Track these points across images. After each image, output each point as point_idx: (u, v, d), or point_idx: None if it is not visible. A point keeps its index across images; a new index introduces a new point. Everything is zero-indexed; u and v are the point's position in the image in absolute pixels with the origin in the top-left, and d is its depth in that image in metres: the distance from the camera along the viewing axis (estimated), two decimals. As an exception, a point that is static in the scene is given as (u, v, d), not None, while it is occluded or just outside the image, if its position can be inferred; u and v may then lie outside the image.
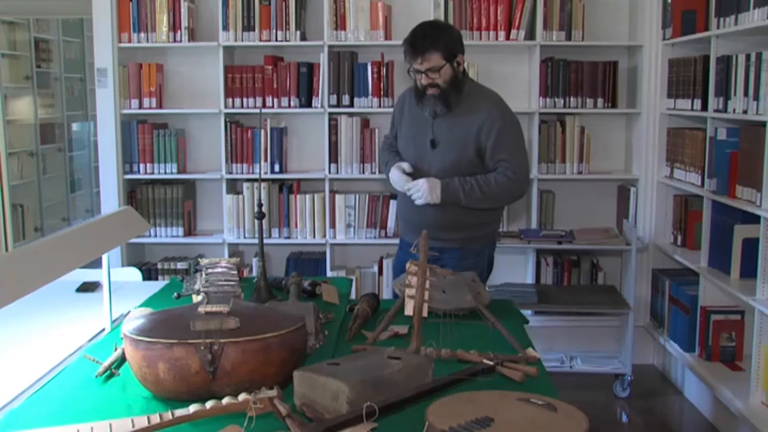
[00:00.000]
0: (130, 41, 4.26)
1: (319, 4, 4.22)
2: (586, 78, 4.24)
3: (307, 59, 4.28)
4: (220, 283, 2.05)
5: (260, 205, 2.54)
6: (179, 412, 1.55)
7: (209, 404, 1.58)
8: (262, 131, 4.27)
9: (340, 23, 4.20)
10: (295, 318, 1.90)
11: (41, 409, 1.73)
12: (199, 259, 2.23)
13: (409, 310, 2.05)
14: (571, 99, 4.24)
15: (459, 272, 2.51)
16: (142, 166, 4.31)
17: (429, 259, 2.09)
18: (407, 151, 2.96)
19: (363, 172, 4.25)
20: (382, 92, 4.19)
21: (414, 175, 2.89)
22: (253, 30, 4.20)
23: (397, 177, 2.89)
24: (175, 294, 2.54)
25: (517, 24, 4.19)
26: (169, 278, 3.80)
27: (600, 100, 4.25)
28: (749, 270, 3.28)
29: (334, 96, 4.22)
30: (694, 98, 3.81)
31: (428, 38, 2.74)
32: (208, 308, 1.85)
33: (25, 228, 6.85)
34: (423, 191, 2.80)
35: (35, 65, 7.18)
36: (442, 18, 4.17)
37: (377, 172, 4.20)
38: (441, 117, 2.83)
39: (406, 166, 2.90)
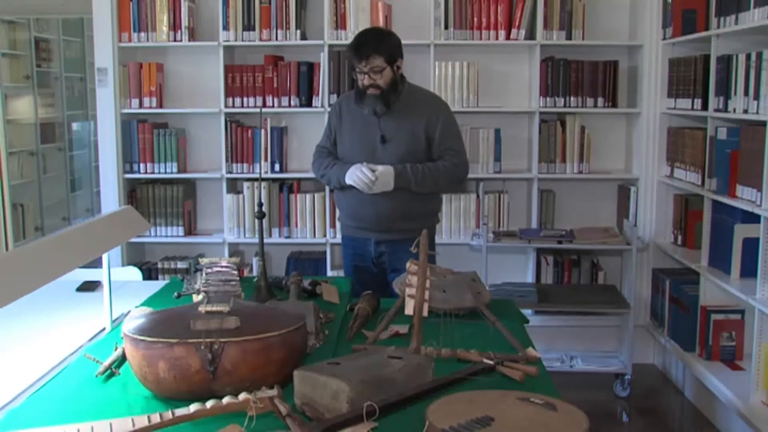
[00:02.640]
0: (130, 41, 4.26)
1: (320, 4, 4.22)
2: (587, 77, 4.24)
3: (308, 59, 4.28)
4: (221, 282, 2.05)
5: (260, 205, 2.54)
6: (179, 411, 1.55)
7: (209, 404, 1.58)
8: (263, 131, 4.27)
9: (340, 23, 4.20)
10: (295, 317, 1.90)
11: (42, 408, 1.73)
12: (200, 259, 2.23)
13: (409, 310, 2.04)
14: (572, 98, 4.24)
15: (457, 271, 2.52)
16: (142, 165, 4.31)
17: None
18: (355, 150, 3.07)
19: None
20: (382, 92, 4.18)
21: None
22: (254, 29, 4.20)
23: (362, 173, 2.95)
24: (176, 293, 2.55)
25: (517, 23, 4.19)
26: (170, 278, 3.80)
27: (600, 100, 4.25)
28: (749, 269, 3.28)
29: (335, 95, 4.22)
30: (694, 98, 3.81)
31: (372, 43, 2.97)
32: (209, 308, 1.85)
33: (25, 227, 6.85)
34: (379, 183, 2.95)
35: (35, 65, 7.18)
36: (442, 17, 4.17)
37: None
38: (387, 114, 3.03)
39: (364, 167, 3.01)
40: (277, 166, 4.30)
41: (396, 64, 3.01)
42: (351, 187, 3.02)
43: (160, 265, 4.38)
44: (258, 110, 4.21)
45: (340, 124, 3.15)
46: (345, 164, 3.05)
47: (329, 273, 4.28)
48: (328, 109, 4.20)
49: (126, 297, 2.69)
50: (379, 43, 2.97)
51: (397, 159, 3.00)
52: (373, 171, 2.95)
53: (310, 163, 3.27)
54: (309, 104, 4.27)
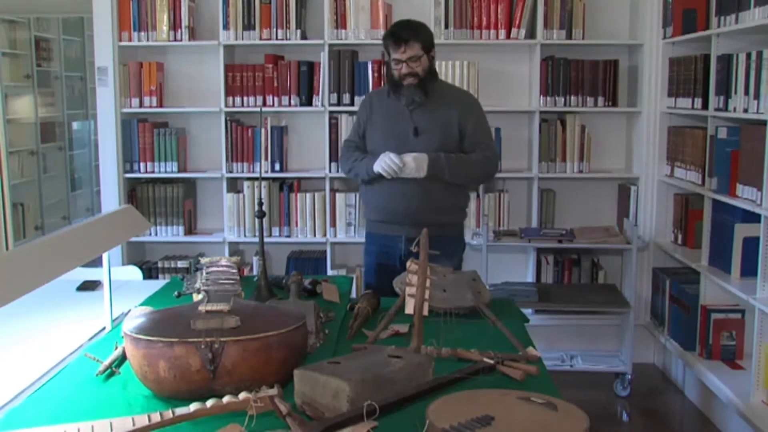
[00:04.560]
0: (130, 40, 4.26)
1: (320, 3, 4.22)
2: (587, 77, 4.23)
3: (308, 58, 4.28)
4: (221, 281, 2.05)
5: (261, 204, 2.54)
6: (180, 410, 1.55)
7: (210, 403, 1.58)
8: (263, 130, 4.27)
9: (340, 22, 4.19)
10: (295, 317, 1.90)
11: (42, 407, 1.73)
12: (200, 258, 2.23)
13: (409, 309, 2.05)
14: (572, 98, 4.24)
15: (458, 270, 2.52)
16: (142, 164, 4.31)
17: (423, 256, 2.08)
18: (386, 143, 3.03)
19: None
20: (382, 91, 4.18)
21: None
22: (254, 29, 4.20)
23: (389, 159, 2.94)
24: (176, 293, 2.55)
25: (517, 23, 4.19)
26: (170, 277, 3.80)
27: (600, 99, 4.25)
28: (750, 269, 3.28)
29: (335, 95, 4.22)
30: (694, 97, 3.81)
31: (409, 30, 3.01)
32: (209, 307, 1.85)
33: (25, 227, 6.85)
34: (411, 168, 2.95)
35: (36, 64, 7.18)
36: (442, 17, 4.17)
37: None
38: (419, 107, 3.03)
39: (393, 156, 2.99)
40: (277, 166, 4.30)
41: (431, 54, 3.03)
42: (379, 178, 3.00)
43: (160, 265, 4.38)
44: (258, 109, 4.21)
45: (370, 118, 3.13)
46: (374, 156, 3.03)
47: (329, 272, 4.28)
48: (329, 109, 4.22)
49: (126, 296, 2.69)
50: (416, 30, 3.01)
51: (430, 150, 2.99)
52: (401, 159, 2.94)
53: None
54: (309, 104, 4.26)
